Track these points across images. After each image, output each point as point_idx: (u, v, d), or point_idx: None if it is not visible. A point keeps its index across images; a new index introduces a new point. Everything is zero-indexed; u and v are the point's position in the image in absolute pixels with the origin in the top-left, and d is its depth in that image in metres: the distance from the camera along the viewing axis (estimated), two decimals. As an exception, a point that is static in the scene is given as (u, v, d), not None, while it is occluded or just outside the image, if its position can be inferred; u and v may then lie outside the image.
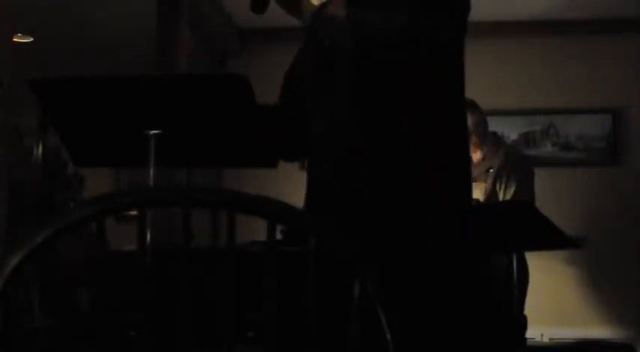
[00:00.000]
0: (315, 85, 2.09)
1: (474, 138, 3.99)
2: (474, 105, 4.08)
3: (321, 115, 2.05)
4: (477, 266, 3.06)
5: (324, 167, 2.04)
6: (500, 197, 3.87)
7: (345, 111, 1.99)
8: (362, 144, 1.96)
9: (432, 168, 1.96)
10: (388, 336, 1.10)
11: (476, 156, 4.03)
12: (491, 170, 3.91)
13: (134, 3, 5.14)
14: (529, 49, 5.64)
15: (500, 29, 5.64)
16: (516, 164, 3.97)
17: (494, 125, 4.32)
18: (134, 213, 1.12)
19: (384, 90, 1.96)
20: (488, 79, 5.43)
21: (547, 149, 5.62)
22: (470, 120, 4.02)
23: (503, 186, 3.87)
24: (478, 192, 3.88)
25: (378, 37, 1.92)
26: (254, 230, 1.63)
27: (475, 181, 3.92)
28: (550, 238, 3.44)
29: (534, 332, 4.83)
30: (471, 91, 4.19)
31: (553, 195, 5.05)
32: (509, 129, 5.58)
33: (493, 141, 4.05)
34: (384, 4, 1.93)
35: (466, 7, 2.03)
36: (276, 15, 2.09)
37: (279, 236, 1.53)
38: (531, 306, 3.92)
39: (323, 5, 2.00)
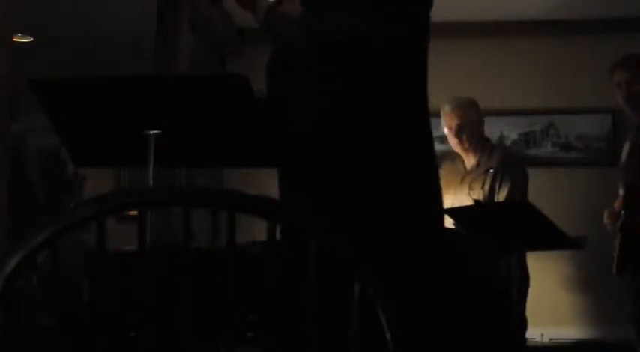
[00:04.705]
0: (273, 89, 2.05)
1: (469, 143, 4.00)
2: (476, 105, 4.09)
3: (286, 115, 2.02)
4: (477, 266, 3.06)
5: (293, 170, 2.00)
6: (497, 198, 3.88)
7: (304, 109, 1.95)
8: (324, 145, 1.92)
9: (396, 168, 1.92)
10: (388, 336, 1.10)
11: (469, 162, 4.03)
12: (490, 170, 3.91)
13: (134, 3, 5.14)
14: (529, 48, 5.64)
15: (501, 29, 5.64)
16: (512, 165, 4.00)
17: (495, 125, 4.33)
18: (134, 213, 1.12)
19: (338, 90, 1.90)
20: (488, 79, 5.43)
21: (547, 149, 5.61)
22: (473, 119, 4.03)
23: (498, 187, 3.89)
24: (477, 195, 3.89)
25: (329, 37, 1.87)
26: (254, 230, 1.63)
27: (473, 185, 3.94)
28: (550, 238, 3.44)
29: (534, 332, 4.83)
30: (472, 91, 4.21)
31: (553, 195, 5.05)
32: (509, 129, 5.57)
33: (485, 146, 4.05)
34: (338, 3, 1.88)
35: (424, 2, 1.97)
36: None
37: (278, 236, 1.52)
38: (531, 306, 3.92)
39: (278, 2, 1.92)
